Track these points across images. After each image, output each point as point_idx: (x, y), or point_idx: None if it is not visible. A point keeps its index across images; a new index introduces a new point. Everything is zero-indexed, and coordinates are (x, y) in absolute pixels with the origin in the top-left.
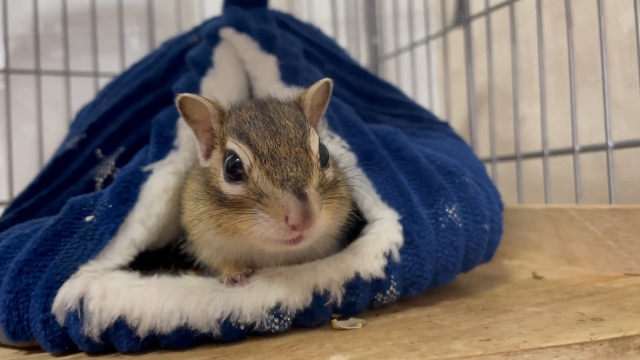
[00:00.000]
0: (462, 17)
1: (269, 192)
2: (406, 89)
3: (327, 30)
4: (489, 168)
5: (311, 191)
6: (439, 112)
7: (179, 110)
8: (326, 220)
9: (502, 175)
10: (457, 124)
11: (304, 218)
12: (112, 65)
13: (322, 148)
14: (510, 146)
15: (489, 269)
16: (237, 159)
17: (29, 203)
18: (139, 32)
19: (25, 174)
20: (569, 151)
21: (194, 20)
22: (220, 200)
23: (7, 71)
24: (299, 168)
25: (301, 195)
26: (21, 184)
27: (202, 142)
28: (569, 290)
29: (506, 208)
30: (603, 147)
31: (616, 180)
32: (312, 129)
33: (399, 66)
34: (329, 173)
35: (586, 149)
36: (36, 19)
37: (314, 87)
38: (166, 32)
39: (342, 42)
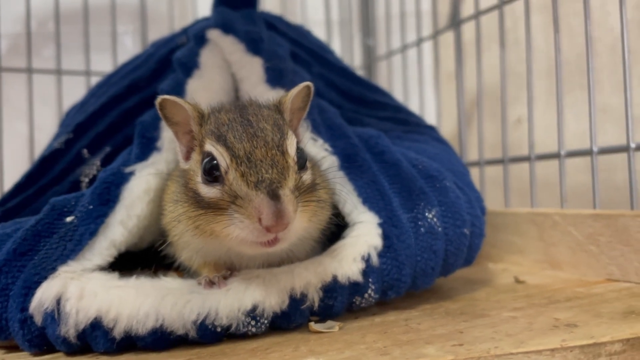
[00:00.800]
0: (455, 20)
1: (243, 194)
2: (400, 90)
3: (321, 31)
4: (476, 171)
5: (285, 193)
6: (432, 114)
7: (159, 112)
8: (303, 222)
9: (496, 179)
10: (451, 126)
11: (277, 219)
12: (104, 64)
13: (300, 151)
14: (510, 149)
15: (472, 273)
16: (215, 161)
17: (14, 202)
18: (132, 31)
19: (16, 172)
20: (555, 155)
21: (187, 19)
22: (198, 202)
23: None
24: (274, 170)
25: (275, 197)
26: (12, 183)
27: (182, 144)
28: (548, 295)
29: (492, 211)
30: (588, 152)
31: (611, 184)
32: (290, 132)
33: (394, 68)
34: (307, 176)
35: (572, 154)
36: (28, 17)
37: (294, 91)
38: (159, 31)
39: (336, 43)
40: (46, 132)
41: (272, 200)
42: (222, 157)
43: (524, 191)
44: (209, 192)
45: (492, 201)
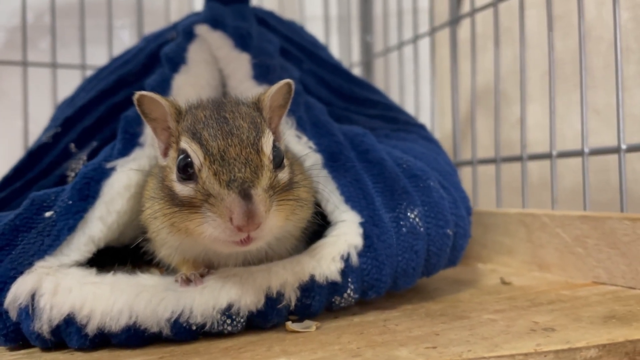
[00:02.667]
0: (451, 17)
1: (215, 193)
2: (396, 87)
3: (319, 27)
4: (469, 171)
5: (257, 192)
6: (428, 111)
7: (137, 107)
8: (278, 222)
9: (492, 178)
10: (447, 125)
11: (248, 219)
12: (100, 58)
13: (276, 150)
14: (508, 148)
15: (460, 273)
16: (189, 159)
17: (1, 195)
18: (128, 25)
19: (10, 165)
20: (547, 156)
21: (184, 13)
22: (173, 199)
23: None
24: (247, 169)
25: (246, 196)
26: None
27: (160, 140)
28: (531, 297)
29: (483, 211)
30: (579, 153)
31: (607, 186)
32: (267, 130)
33: (391, 65)
34: (284, 175)
35: (564, 154)
36: (24, 10)
37: (274, 88)
38: (155, 25)
39: (334, 39)
40: (41, 125)
41: (243, 200)
42: (196, 155)
43: (520, 191)
44: (183, 189)
45: (486, 201)
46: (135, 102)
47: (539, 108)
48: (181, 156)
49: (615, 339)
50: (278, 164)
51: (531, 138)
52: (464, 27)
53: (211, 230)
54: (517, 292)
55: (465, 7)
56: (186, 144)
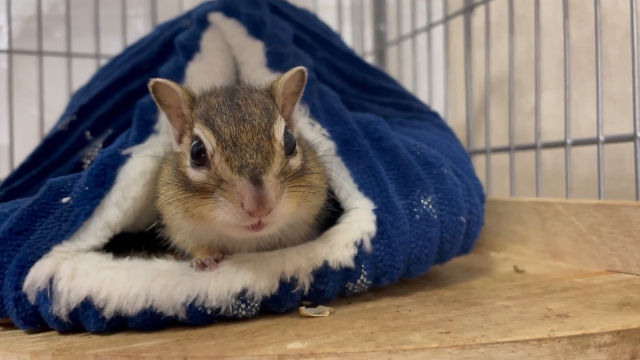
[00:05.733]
0: (468, 4)
1: (227, 178)
2: (409, 76)
3: (332, 16)
4: (483, 159)
5: (269, 178)
6: (441, 100)
7: (152, 94)
8: (290, 207)
9: (506, 167)
10: (460, 113)
11: (259, 204)
12: (114, 47)
13: (288, 136)
14: (521, 137)
15: (473, 261)
16: (202, 145)
17: (18, 182)
18: (142, 15)
19: (27, 153)
20: (562, 144)
21: (197, 3)
22: (187, 185)
23: (10, 51)
24: (259, 155)
25: (257, 182)
26: None
27: (175, 127)
28: (545, 285)
29: (496, 200)
30: (594, 141)
31: (622, 175)
32: (279, 117)
33: (404, 53)
34: (295, 161)
35: (578, 143)
36: (39, 0)
37: (287, 75)
38: (169, 14)
39: (347, 28)
40: (56, 114)
41: (254, 185)
42: (209, 141)
43: (533, 180)
44: (196, 175)
45: (500, 189)
46: (150, 89)
47: (553, 97)
48: (194, 142)
49: (630, 325)
50: (290, 150)
51: (545, 127)
52: (478, 16)
53: (223, 215)
54: (530, 280)
55: None
56: (199, 130)
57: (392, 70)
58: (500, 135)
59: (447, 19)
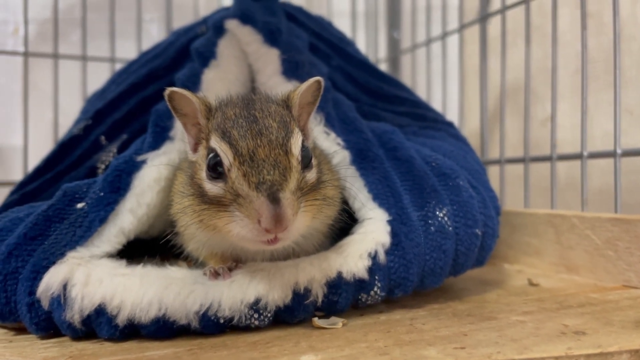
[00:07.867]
0: (481, 14)
1: (244, 194)
2: (424, 84)
3: (346, 22)
4: (497, 170)
5: (286, 196)
6: (455, 109)
7: (168, 103)
8: (305, 222)
9: (520, 178)
10: (475, 123)
11: (276, 222)
12: (129, 51)
13: (305, 150)
14: (535, 147)
15: (486, 273)
16: (218, 158)
17: (33, 186)
18: (157, 19)
19: (41, 156)
20: (578, 156)
21: (212, 7)
22: (202, 197)
23: (26, 54)
24: (276, 171)
25: (274, 200)
26: None
27: (190, 135)
28: (560, 299)
29: (510, 211)
30: (611, 154)
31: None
32: (296, 130)
33: (418, 61)
34: (311, 175)
35: (595, 155)
36: (56, 3)
37: (304, 86)
38: (184, 19)
39: (361, 35)
40: (71, 117)
41: (271, 203)
42: (225, 155)
43: (546, 191)
44: (212, 188)
45: (514, 200)
46: (166, 97)
47: (568, 107)
48: (211, 155)
49: None
50: (306, 164)
51: (559, 137)
52: (493, 24)
53: (239, 230)
54: (545, 294)
55: (495, 4)
56: (216, 143)
57: (405, 78)
58: (513, 144)
59: (462, 27)
